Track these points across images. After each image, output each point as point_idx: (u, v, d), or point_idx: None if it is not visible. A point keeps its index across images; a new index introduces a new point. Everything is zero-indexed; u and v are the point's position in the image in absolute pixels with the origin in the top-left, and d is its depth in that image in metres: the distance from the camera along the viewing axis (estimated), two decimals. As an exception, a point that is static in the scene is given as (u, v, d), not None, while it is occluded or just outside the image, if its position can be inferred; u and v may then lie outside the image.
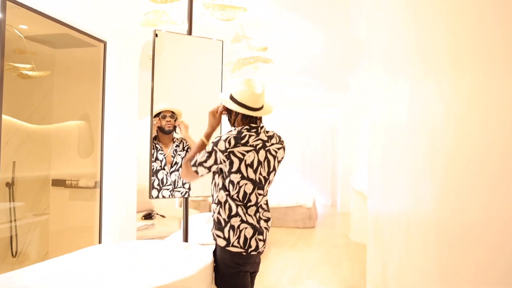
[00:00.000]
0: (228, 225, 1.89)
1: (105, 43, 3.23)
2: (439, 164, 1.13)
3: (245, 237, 1.88)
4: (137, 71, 3.66)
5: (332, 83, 7.22)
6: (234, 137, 1.87)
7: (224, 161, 1.85)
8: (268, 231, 1.98)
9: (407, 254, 1.59)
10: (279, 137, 2.04)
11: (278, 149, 2.00)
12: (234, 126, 2.00)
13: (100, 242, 3.33)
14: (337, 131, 10.26)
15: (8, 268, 3.23)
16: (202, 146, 2.01)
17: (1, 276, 1.58)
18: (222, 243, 1.88)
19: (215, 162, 1.87)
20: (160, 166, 2.41)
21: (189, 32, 2.42)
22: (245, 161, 1.87)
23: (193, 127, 2.42)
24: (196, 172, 1.91)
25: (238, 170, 1.86)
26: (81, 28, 2.97)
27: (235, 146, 1.85)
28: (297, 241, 6.17)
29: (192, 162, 1.91)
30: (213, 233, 1.90)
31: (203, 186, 2.46)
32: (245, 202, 1.90)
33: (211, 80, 2.50)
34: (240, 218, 1.90)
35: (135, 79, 3.62)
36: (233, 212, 1.90)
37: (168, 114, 2.42)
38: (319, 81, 6.88)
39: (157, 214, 4.96)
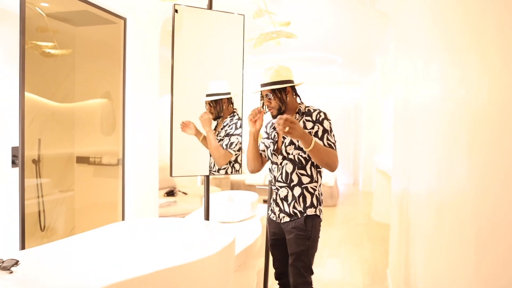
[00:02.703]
0: (321, 198, 2.16)
1: (125, 20, 3.20)
2: (480, 142, 1.07)
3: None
4: (158, 48, 3.63)
5: (357, 61, 7.03)
6: None
7: None
8: None
9: (437, 236, 1.54)
10: None
11: None
12: (284, 106, 2.10)
13: (123, 218, 3.39)
14: (360, 110, 10.07)
15: (38, 241, 3.33)
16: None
17: (30, 250, 1.61)
18: (319, 212, 2.11)
19: None
20: None
21: (210, 7, 2.36)
22: None
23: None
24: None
25: None
26: (100, 5, 2.95)
27: None
28: (318, 220, 6.15)
29: (334, 147, 2.03)
30: (316, 209, 2.09)
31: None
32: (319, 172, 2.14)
33: (232, 56, 2.44)
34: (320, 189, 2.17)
35: (156, 56, 3.59)
36: (319, 184, 2.16)
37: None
38: (343, 58, 6.71)
39: (179, 191, 5.00)
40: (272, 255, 2.29)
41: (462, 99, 1.29)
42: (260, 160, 2.29)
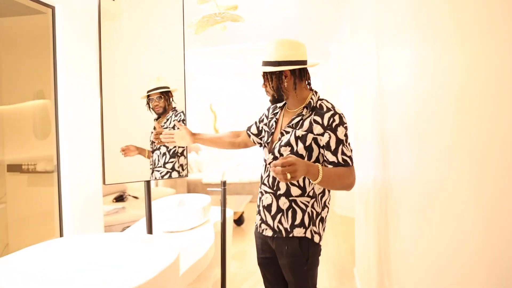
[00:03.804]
0: (319, 218, 1.75)
1: (53, 9, 2.83)
2: (474, 126, 0.90)
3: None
4: (95, 40, 3.27)
5: (311, 49, 6.86)
6: None
7: None
8: None
9: (421, 229, 1.35)
10: None
11: None
12: (279, 94, 1.76)
13: (61, 231, 3.04)
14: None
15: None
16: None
17: None
18: (317, 238, 1.73)
19: None
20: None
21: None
22: None
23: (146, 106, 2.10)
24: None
25: None
26: (20, -9, 2.57)
27: None
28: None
29: (350, 162, 1.63)
30: (307, 230, 1.71)
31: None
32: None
33: (172, 45, 2.17)
34: (328, 207, 1.79)
35: (92, 49, 3.23)
36: (326, 203, 1.78)
37: (155, 96, 2.13)
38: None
39: (129, 195, 4.66)
40: (262, 275, 1.96)
41: (437, 83, 1.11)
42: (228, 143, 2.04)
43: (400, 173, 1.64)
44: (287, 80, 1.71)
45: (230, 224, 2.97)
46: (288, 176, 1.39)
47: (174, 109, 2.21)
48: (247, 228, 5.52)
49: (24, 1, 2.73)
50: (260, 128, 1.99)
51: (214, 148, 9.95)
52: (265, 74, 1.73)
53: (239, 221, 5.57)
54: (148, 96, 2.13)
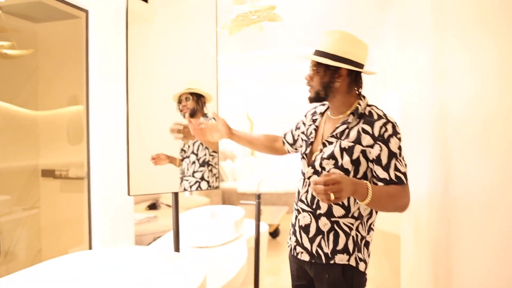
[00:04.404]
0: (363, 242, 1.51)
1: (87, 12, 2.76)
2: None
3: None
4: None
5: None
6: None
7: None
8: None
9: (496, 263, 1.12)
10: None
11: None
12: (325, 92, 1.52)
13: (90, 239, 2.95)
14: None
15: (-6, 269, 2.90)
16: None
17: None
18: (362, 266, 1.50)
19: None
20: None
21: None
22: None
23: (175, 114, 1.98)
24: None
25: None
26: (53, -7, 2.52)
27: None
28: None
29: (404, 179, 1.40)
30: (352, 257, 1.48)
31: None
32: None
33: (204, 49, 2.03)
34: (373, 230, 1.56)
35: (124, 53, 3.16)
36: (372, 225, 1.54)
37: (184, 97, 2.00)
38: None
39: (163, 203, 4.57)
40: None
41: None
42: (265, 146, 1.84)
43: (467, 192, 1.39)
44: (341, 80, 1.48)
45: (265, 239, 2.78)
46: (332, 196, 1.18)
47: (205, 115, 2.06)
48: (283, 241, 5.30)
49: (60, 6, 2.68)
50: (296, 137, 1.77)
51: (250, 153, 9.79)
52: (317, 66, 1.49)
53: (274, 233, 5.36)
54: (180, 97, 2.00)
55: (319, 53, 1.47)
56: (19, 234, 3.14)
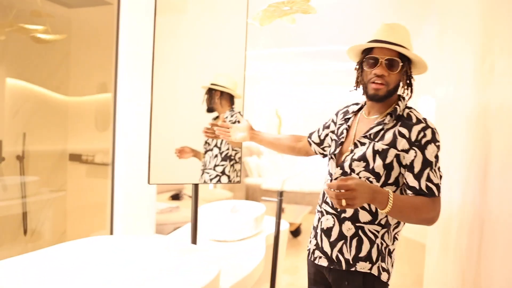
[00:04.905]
0: (387, 251, 1.41)
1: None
2: None
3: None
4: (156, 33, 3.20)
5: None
6: None
7: None
8: None
9: None
10: None
11: None
12: (395, 89, 1.41)
13: (111, 225, 2.99)
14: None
15: (21, 246, 2.99)
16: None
17: None
18: (385, 277, 1.40)
19: None
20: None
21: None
22: None
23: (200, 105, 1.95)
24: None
25: None
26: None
27: None
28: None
29: (436, 192, 1.29)
30: (374, 266, 1.39)
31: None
32: None
33: (232, 42, 2.00)
34: (398, 239, 1.46)
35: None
36: (397, 235, 1.45)
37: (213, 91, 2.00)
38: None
39: (185, 194, 4.59)
40: None
41: None
42: (288, 147, 1.80)
43: (506, 205, 1.30)
44: (404, 78, 1.39)
45: (284, 238, 2.73)
46: (343, 202, 1.13)
47: (232, 109, 2.03)
48: (304, 241, 5.23)
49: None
50: (323, 137, 1.69)
51: (273, 150, 9.70)
52: (401, 58, 1.36)
53: (295, 232, 5.30)
54: (210, 88, 1.98)
55: (399, 45, 1.35)
56: (45, 215, 3.22)
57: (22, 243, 3.02)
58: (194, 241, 1.92)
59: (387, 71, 1.35)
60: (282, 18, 1.91)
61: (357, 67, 1.47)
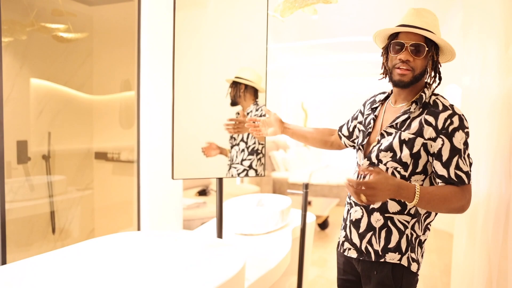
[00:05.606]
0: (418, 241, 1.37)
1: (139, -5, 2.77)
2: None
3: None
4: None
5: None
6: None
7: None
8: None
9: None
10: None
11: None
12: (420, 75, 1.35)
13: (138, 222, 3.00)
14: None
15: (50, 245, 3.03)
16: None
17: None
18: (415, 267, 1.36)
19: None
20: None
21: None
22: None
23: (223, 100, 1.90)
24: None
25: None
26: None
27: None
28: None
29: (466, 180, 1.25)
30: (404, 256, 1.34)
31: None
32: None
33: (253, 35, 1.96)
34: (429, 229, 1.42)
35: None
36: (429, 225, 1.41)
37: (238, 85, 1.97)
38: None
39: (212, 190, 4.58)
40: None
41: None
42: (320, 141, 1.75)
43: None
44: (430, 64, 1.35)
45: (311, 230, 2.67)
46: (363, 198, 1.10)
47: (256, 103, 1.99)
48: (332, 233, 5.15)
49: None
50: (352, 129, 1.64)
51: (303, 144, 9.63)
52: (427, 43, 1.31)
53: (323, 225, 5.23)
54: (234, 82, 1.94)
55: (425, 30, 1.31)
56: (73, 213, 3.25)
57: (51, 241, 3.06)
58: (219, 235, 1.89)
59: (412, 56, 1.31)
60: (303, 9, 1.85)
61: (383, 52, 1.42)
